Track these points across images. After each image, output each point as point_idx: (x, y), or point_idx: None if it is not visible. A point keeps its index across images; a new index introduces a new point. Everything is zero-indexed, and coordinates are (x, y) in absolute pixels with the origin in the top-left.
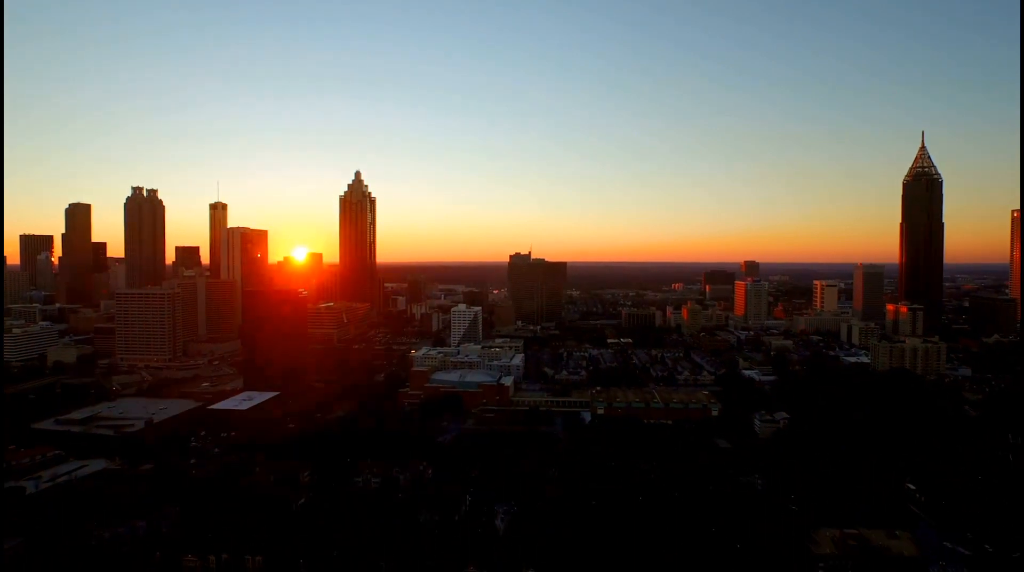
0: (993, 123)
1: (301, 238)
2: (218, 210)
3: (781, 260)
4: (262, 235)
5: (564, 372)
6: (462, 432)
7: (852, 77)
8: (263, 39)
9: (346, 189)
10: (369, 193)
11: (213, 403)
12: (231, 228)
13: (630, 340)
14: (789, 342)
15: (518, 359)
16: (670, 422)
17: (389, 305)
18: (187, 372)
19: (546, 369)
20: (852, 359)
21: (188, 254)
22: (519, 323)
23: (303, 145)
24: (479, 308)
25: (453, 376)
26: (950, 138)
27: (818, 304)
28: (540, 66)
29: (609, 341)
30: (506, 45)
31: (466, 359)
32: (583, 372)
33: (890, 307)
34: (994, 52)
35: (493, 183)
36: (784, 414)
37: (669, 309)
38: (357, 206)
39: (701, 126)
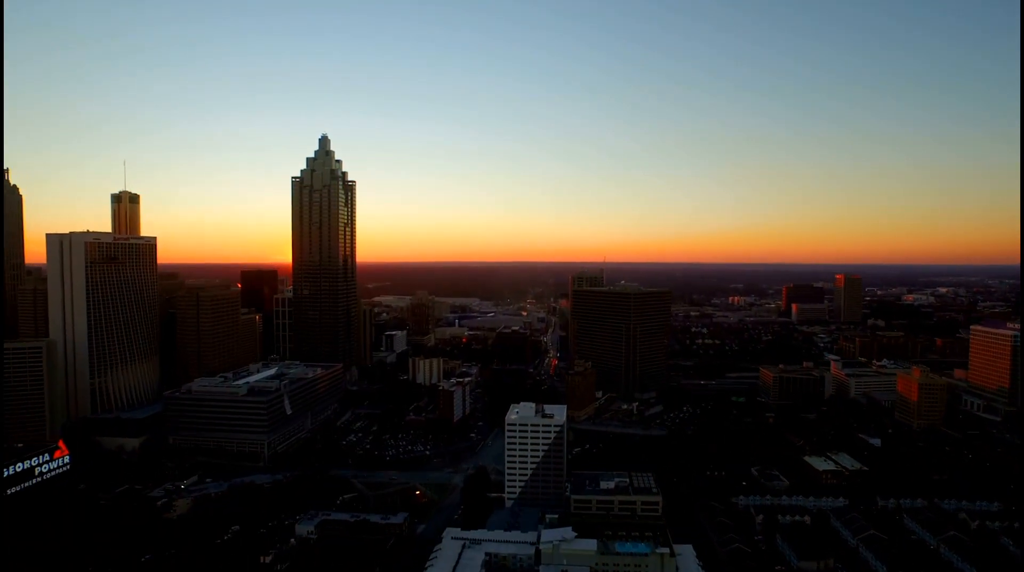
0: None
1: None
2: (123, 203)
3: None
4: (142, 247)
5: None
6: None
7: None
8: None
9: (305, 166)
10: (344, 174)
11: None
12: (71, 234)
13: (851, 469)
14: None
15: None
16: None
17: (383, 347)
18: None
19: None
20: None
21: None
22: (600, 396)
23: (262, 146)
24: (562, 422)
25: None
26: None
27: None
28: (508, 68)
29: (818, 465)
30: (482, 49)
31: None
32: None
33: None
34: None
35: (456, 183)
36: None
37: (835, 363)
38: (323, 193)
39: (684, 128)
